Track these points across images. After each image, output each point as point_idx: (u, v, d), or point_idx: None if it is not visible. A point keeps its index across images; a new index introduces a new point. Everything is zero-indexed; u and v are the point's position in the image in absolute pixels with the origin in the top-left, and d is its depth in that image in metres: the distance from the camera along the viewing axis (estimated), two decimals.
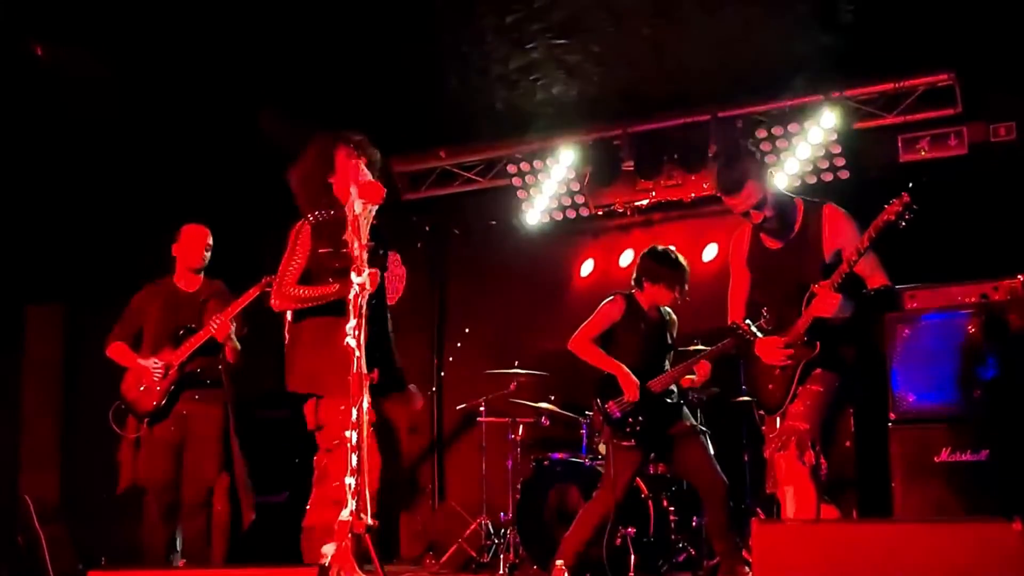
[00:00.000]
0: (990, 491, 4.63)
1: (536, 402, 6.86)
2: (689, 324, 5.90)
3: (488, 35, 6.35)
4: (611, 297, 5.59)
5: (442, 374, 8.28)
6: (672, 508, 5.96)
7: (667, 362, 5.59)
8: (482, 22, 6.19)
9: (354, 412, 3.57)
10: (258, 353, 5.65)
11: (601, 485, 5.53)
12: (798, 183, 6.92)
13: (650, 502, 5.89)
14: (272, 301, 4.17)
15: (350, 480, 3.51)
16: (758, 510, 6.03)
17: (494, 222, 8.19)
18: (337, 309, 3.98)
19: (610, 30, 6.32)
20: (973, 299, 4.95)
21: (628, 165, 7.37)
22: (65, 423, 6.78)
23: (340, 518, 3.52)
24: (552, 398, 6.94)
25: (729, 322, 4.43)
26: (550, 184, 7.68)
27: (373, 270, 3.88)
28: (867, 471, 4.97)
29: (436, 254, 8.41)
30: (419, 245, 8.27)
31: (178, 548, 5.47)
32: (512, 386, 6.93)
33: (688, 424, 5.51)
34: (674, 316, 5.70)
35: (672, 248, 5.56)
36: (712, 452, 5.49)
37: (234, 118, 6.86)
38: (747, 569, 5.20)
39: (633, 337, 5.49)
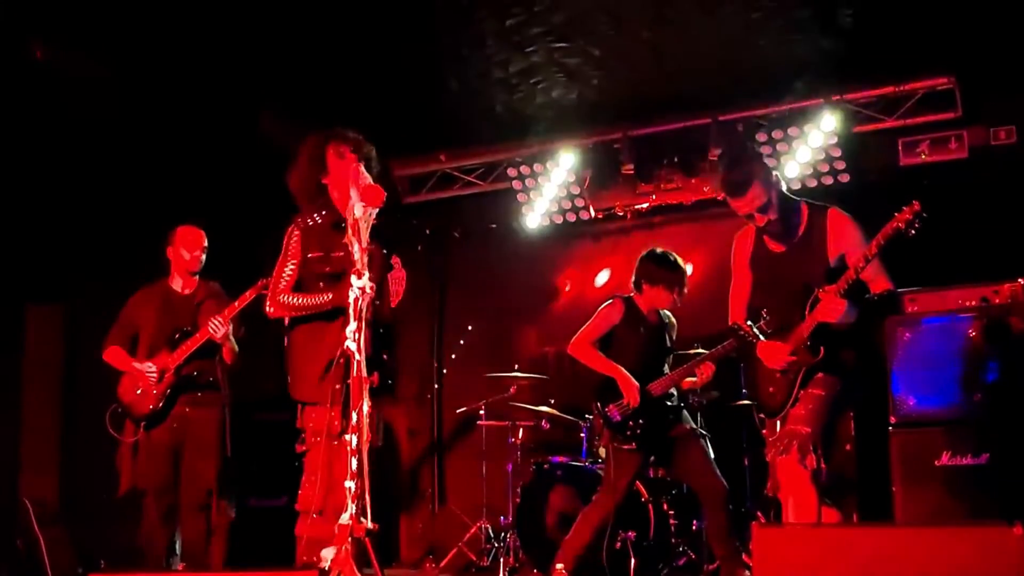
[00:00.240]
0: (990, 495, 4.62)
1: (536, 405, 6.85)
2: (689, 327, 5.90)
3: (488, 38, 6.36)
4: (610, 300, 5.59)
5: (444, 373, 8.28)
6: (672, 512, 5.95)
7: (666, 365, 5.59)
8: (482, 26, 6.19)
9: (354, 416, 3.56)
10: (257, 355, 5.65)
11: (601, 489, 5.53)
12: (798, 186, 6.92)
13: (650, 506, 5.88)
14: (267, 307, 4.16)
15: (350, 484, 3.50)
16: (759, 514, 6.03)
17: (494, 225, 8.19)
18: (326, 314, 3.97)
19: (610, 33, 6.32)
20: (973, 303, 4.95)
21: (628, 168, 7.37)
22: (65, 425, 6.77)
23: (340, 522, 3.51)
24: (552, 401, 6.94)
25: (730, 323, 4.42)
26: (550, 187, 7.68)
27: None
28: (867, 474, 4.97)
29: (436, 257, 8.41)
30: (419, 248, 8.27)
31: (177, 551, 5.46)
32: (512, 389, 6.92)
33: (688, 427, 5.51)
34: (673, 319, 5.70)
35: (670, 252, 5.56)
36: (712, 456, 5.48)
37: (234, 120, 6.86)
38: (747, 573, 5.18)
39: (632, 340, 5.49)
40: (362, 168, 3.90)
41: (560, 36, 6.35)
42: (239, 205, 7.22)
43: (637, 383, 5.34)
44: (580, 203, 7.73)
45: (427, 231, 8.29)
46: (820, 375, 4.07)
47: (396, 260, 4.23)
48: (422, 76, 6.82)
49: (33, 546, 5.81)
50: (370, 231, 3.86)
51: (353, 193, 3.75)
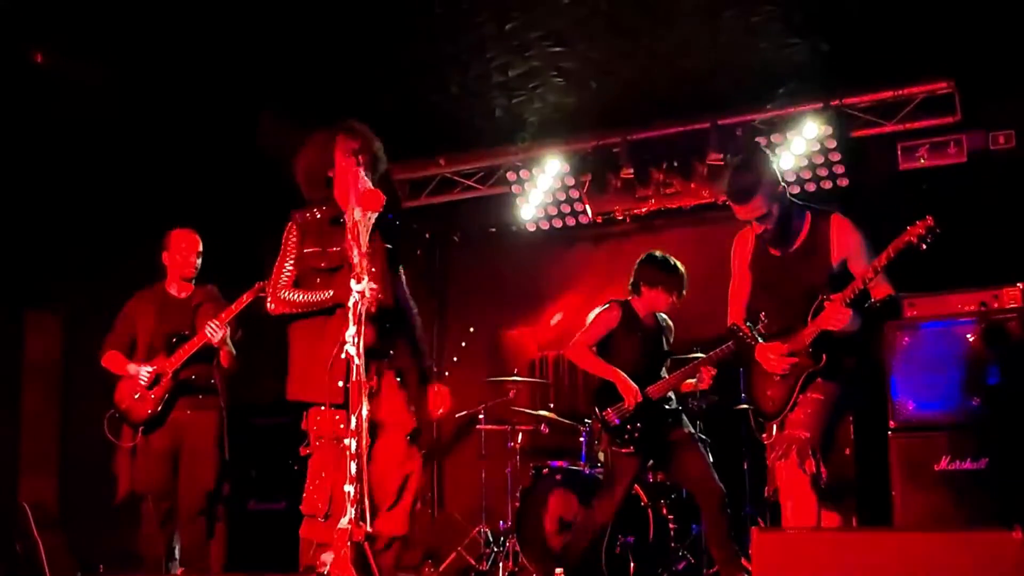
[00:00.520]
0: (990, 499, 4.63)
1: (535, 409, 6.84)
2: (688, 331, 5.90)
3: (487, 43, 6.36)
4: (607, 304, 5.59)
5: (444, 376, 8.27)
6: (671, 516, 5.94)
7: (664, 369, 5.59)
8: (481, 30, 6.19)
9: (353, 420, 3.56)
10: (255, 358, 5.65)
11: (600, 493, 5.52)
12: (797, 191, 6.93)
13: (649, 510, 5.88)
14: (268, 305, 4.14)
15: (349, 488, 3.49)
16: (758, 518, 6.03)
17: (493, 229, 8.20)
18: (327, 311, 3.96)
19: (609, 38, 6.32)
20: (972, 307, 4.96)
21: (627, 172, 7.37)
22: (64, 429, 6.77)
23: (339, 526, 3.51)
24: (551, 405, 6.93)
25: (728, 323, 4.41)
26: (549, 191, 7.69)
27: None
28: (867, 479, 4.96)
29: (436, 261, 8.41)
30: (419, 252, 8.27)
31: (176, 555, 5.45)
32: (511, 393, 6.92)
33: (687, 431, 5.50)
34: (670, 322, 5.70)
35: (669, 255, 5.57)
36: (710, 460, 5.48)
37: (233, 123, 6.87)
38: None
39: (630, 344, 5.49)
40: (361, 172, 3.88)
41: (559, 40, 6.35)
42: (237, 209, 7.22)
43: (636, 386, 5.34)
44: (579, 207, 7.74)
45: (427, 235, 8.29)
46: (819, 380, 4.07)
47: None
48: (422, 80, 6.82)
49: (32, 550, 5.80)
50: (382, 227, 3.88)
51: (352, 197, 3.74)
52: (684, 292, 5.49)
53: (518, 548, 6.36)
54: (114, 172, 6.75)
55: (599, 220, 7.75)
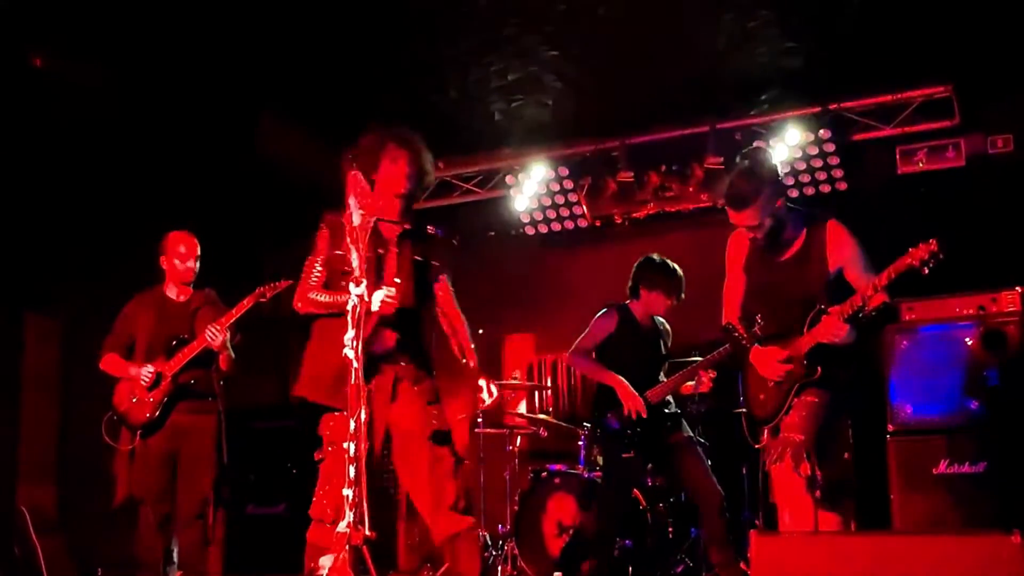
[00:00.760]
0: (988, 503, 4.63)
1: (534, 413, 6.84)
2: (687, 335, 5.90)
3: (486, 47, 6.37)
4: (604, 309, 5.60)
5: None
6: (670, 519, 5.94)
7: (662, 372, 5.59)
8: (480, 34, 6.20)
9: (352, 423, 3.56)
10: (254, 363, 5.65)
11: (599, 496, 5.52)
12: (796, 194, 6.93)
13: (648, 513, 5.87)
14: (295, 304, 4.17)
15: (347, 492, 3.49)
16: (757, 521, 6.02)
17: (492, 233, 8.20)
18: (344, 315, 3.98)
19: (608, 41, 6.33)
20: (971, 311, 4.97)
21: (626, 176, 7.38)
22: (63, 433, 6.77)
23: (337, 529, 3.51)
24: (550, 409, 6.92)
25: (723, 322, 4.40)
26: (548, 195, 7.69)
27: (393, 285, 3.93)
28: (866, 482, 4.96)
29: None
30: None
31: (174, 559, 5.44)
32: (510, 397, 6.91)
33: (685, 435, 5.50)
34: (668, 326, 5.70)
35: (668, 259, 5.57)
36: (709, 463, 5.48)
37: (232, 126, 6.87)
38: None
39: (628, 348, 5.49)
40: (360, 175, 3.89)
41: (558, 45, 6.36)
42: (236, 212, 7.22)
43: (635, 391, 5.34)
44: (578, 211, 7.74)
45: None
46: (814, 386, 4.06)
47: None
48: (421, 83, 6.82)
49: (31, 554, 5.81)
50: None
51: (351, 202, 3.75)
52: (682, 295, 5.49)
53: (517, 552, 6.35)
54: (113, 175, 6.76)
55: (598, 224, 7.75)
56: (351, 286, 3.62)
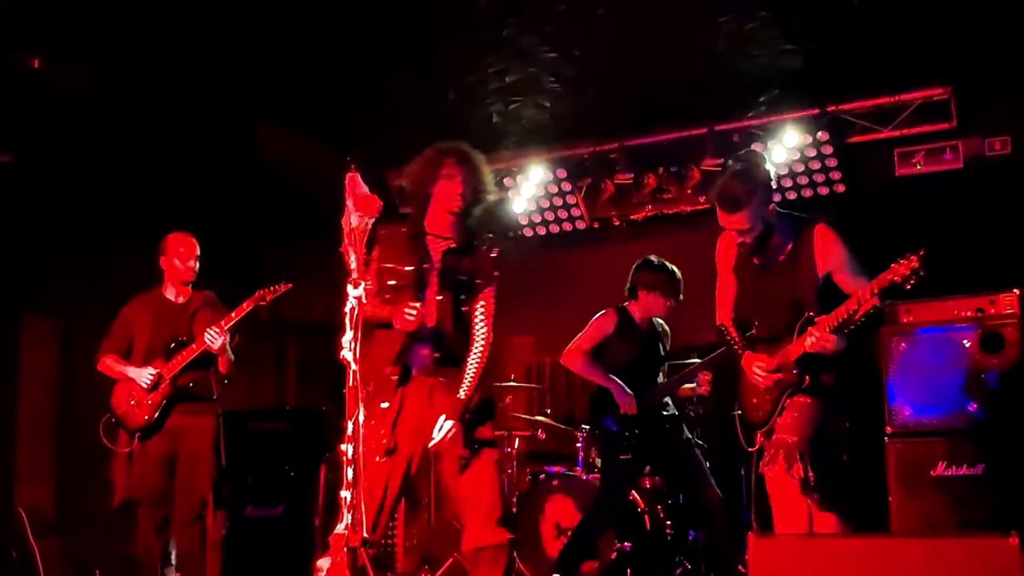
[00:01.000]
0: (986, 505, 4.63)
1: (532, 415, 6.84)
2: (686, 338, 5.89)
3: (485, 48, 6.37)
4: (603, 311, 5.60)
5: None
6: (668, 522, 5.94)
7: (661, 374, 5.59)
8: (478, 36, 6.20)
9: (349, 425, 3.55)
10: (253, 365, 5.64)
11: (597, 498, 5.52)
12: (793, 196, 6.94)
13: (646, 516, 5.87)
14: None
15: (345, 493, 3.49)
16: (754, 524, 6.02)
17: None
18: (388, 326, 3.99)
19: (607, 43, 6.33)
20: (969, 313, 4.97)
21: (625, 178, 7.39)
22: (61, 435, 6.76)
23: (335, 531, 3.51)
24: (548, 411, 6.92)
25: (717, 322, 4.39)
26: (546, 197, 7.70)
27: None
28: (864, 484, 4.96)
29: None
30: None
31: (172, 562, 5.44)
32: (508, 399, 6.90)
33: (684, 437, 5.51)
34: (666, 328, 5.70)
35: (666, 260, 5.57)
36: (707, 465, 5.48)
37: (232, 129, 6.87)
38: None
39: (626, 350, 5.49)
40: (359, 177, 3.89)
41: (556, 46, 6.36)
42: (236, 215, 7.22)
43: (632, 393, 5.34)
44: (576, 212, 7.75)
45: None
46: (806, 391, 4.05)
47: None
48: (419, 85, 6.83)
49: (28, 557, 5.80)
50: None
51: (349, 203, 3.74)
52: (681, 297, 5.49)
53: (515, 554, 6.35)
54: (113, 176, 6.75)
55: (596, 225, 7.76)
56: (349, 288, 3.61)
